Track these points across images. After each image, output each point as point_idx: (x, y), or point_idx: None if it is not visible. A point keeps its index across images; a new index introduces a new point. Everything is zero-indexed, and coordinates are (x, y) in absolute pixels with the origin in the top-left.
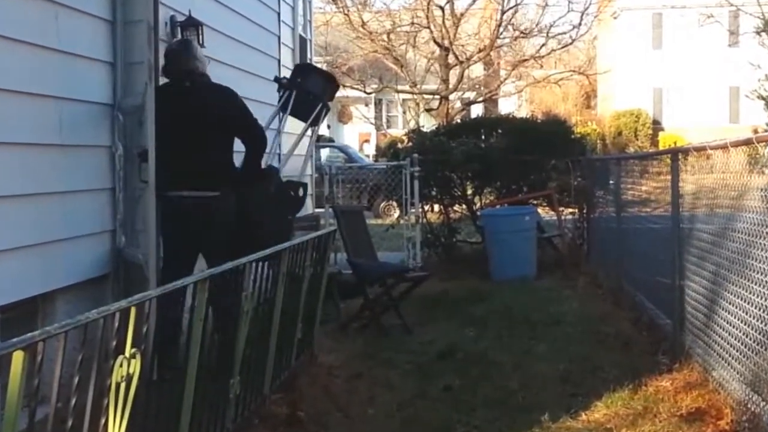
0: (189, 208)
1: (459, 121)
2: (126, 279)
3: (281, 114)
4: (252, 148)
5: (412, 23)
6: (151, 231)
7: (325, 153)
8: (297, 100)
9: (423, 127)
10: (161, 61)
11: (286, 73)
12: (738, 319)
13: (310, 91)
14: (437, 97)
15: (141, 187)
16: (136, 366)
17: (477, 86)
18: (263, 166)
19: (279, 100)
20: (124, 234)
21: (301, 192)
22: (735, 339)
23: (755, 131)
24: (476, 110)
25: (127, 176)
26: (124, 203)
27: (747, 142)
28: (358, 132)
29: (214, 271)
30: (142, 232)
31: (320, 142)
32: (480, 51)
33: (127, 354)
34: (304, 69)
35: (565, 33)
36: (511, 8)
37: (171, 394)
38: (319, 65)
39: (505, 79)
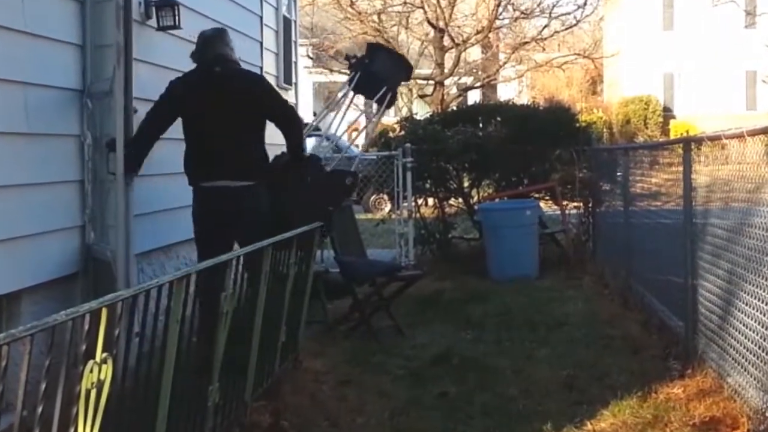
0: (221, 198)
1: (455, 108)
2: (96, 278)
3: (347, 91)
4: (287, 132)
5: (405, 2)
6: (121, 226)
7: (310, 142)
8: (362, 79)
9: (416, 114)
10: (134, 44)
11: (268, 56)
12: (755, 321)
13: (374, 72)
14: (431, 82)
15: (110, 179)
16: (107, 371)
17: (474, 71)
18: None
19: (350, 80)
20: (93, 230)
21: (349, 181)
22: (752, 343)
23: None
24: (473, 96)
25: (96, 168)
26: (93, 197)
27: (765, 131)
28: (347, 120)
29: (193, 269)
30: (112, 228)
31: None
32: (477, 33)
33: (97, 359)
34: (374, 50)
35: (569, 13)
36: None
37: (145, 402)
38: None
39: (505, 62)
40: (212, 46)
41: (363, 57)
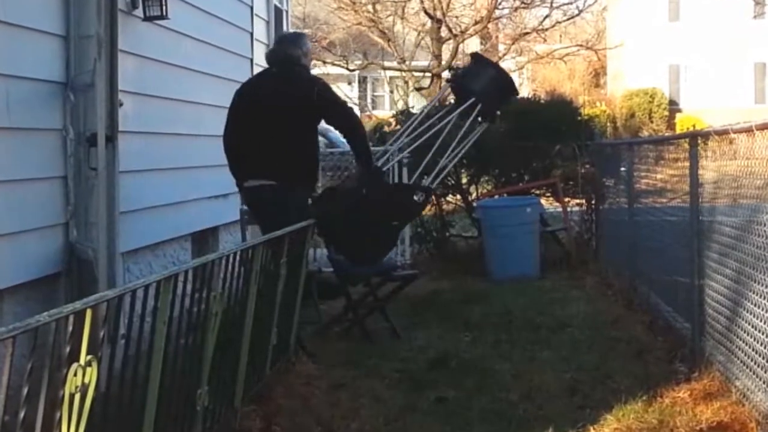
0: (252, 198)
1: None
2: (80, 278)
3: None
4: (346, 136)
5: None
6: (104, 224)
7: None
8: (455, 86)
9: (412, 108)
10: (120, 35)
11: (258, 48)
12: (764, 323)
13: (466, 86)
14: (428, 74)
15: (93, 175)
16: (92, 375)
17: None
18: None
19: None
20: (76, 227)
21: (419, 197)
22: (761, 344)
23: None
24: None
25: (79, 163)
26: (76, 193)
27: None
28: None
29: (181, 268)
30: (95, 226)
31: None
32: (476, 23)
33: (81, 362)
34: (477, 61)
35: (571, 3)
36: None
37: (131, 407)
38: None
39: (505, 54)
40: (280, 48)
41: (462, 69)
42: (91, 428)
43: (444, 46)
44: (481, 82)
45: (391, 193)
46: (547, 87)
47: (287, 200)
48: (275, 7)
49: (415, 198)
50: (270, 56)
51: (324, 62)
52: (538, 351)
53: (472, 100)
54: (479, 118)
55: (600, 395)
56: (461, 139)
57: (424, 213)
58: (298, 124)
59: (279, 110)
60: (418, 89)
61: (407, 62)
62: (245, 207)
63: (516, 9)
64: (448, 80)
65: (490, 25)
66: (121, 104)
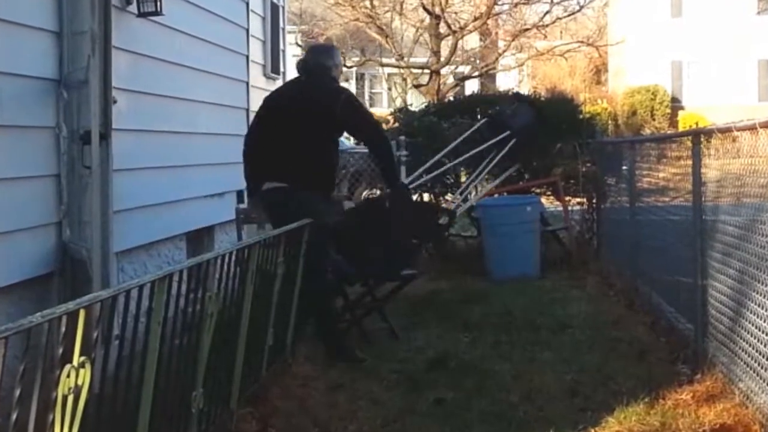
0: (268, 200)
1: (452, 98)
2: (74, 278)
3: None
4: (370, 149)
5: None
6: (97, 223)
7: None
8: (492, 120)
9: (411, 105)
10: (114, 31)
11: (254, 44)
12: None
13: (503, 122)
14: (427, 71)
15: (87, 173)
16: (85, 376)
17: (472, 59)
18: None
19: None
20: (69, 227)
21: (444, 220)
22: (765, 346)
23: None
24: (471, 86)
25: (72, 161)
26: (69, 192)
27: None
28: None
29: (176, 268)
30: (88, 225)
31: None
32: (475, 19)
33: (75, 363)
34: (522, 103)
35: None
36: None
37: (125, 409)
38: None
39: (504, 50)
40: (312, 56)
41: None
42: (85, 430)
43: (443, 43)
44: (520, 122)
45: (418, 211)
46: (548, 84)
47: (301, 202)
48: (271, 3)
49: (440, 221)
50: (301, 65)
51: None
52: (538, 352)
53: (507, 133)
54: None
55: (601, 397)
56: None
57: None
58: (318, 132)
59: (302, 116)
60: (417, 86)
61: (405, 59)
62: (241, 206)
63: (516, 5)
64: (490, 115)
65: (489, 21)
66: (114, 101)
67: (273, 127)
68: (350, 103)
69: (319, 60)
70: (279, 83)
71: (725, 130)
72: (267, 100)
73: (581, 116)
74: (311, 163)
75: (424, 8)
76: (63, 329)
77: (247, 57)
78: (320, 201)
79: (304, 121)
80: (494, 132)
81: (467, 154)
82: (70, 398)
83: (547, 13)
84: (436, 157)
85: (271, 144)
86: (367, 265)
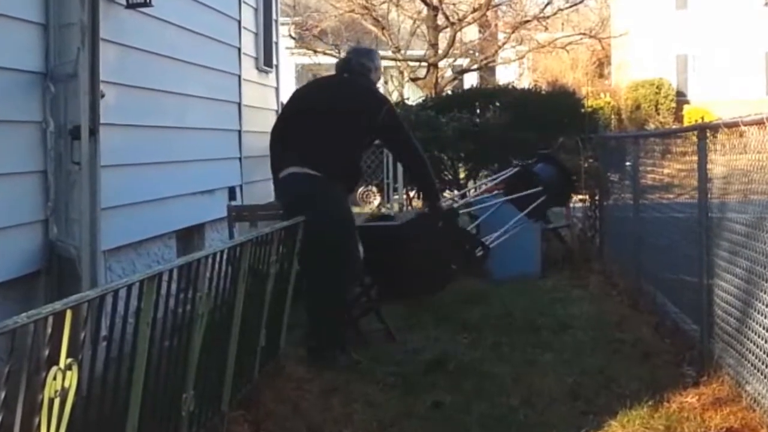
0: (287, 186)
1: (450, 92)
2: (60, 277)
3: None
4: (401, 160)
5: None
6: (86, 221)
7: None
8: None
9: (408, 99)
10: (102, 23)
11: (246, 36)
12: None
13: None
14: (424, 64)
15: (75, 169)
16: (72, 379)
17: (471, 52)
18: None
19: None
20: (56, 224)
21: (480, 252)
22: None
23: None
24: (470, 80)
25: (59, 157)
26: (57, 189)
27: None
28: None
29: (165, 267)
30: (76, 222)
31: None
32: (474, 10)
33: (61, 365)
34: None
35: None
36: None
37: (113, 412)
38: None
39: (504, 43)
40: (354, 56)
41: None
42: None
43: (441, 35)
44: (551, 177)
45: (461, 237)
46: (549, 77)
47: (326, 190)
48: None
49: (477, 252)
50: (342, 63)
51: (315, 51)
52: (539, 354)
53: (540, 189)
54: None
55: (604, 400)
56: None
57: (420, 209)
58: (354, 132)
59: (341, 113)
60: (414, 80)
61: (402, 51)
62: (233, 203)
63: None
64: (519, 165)
65: (488, 13)
66: (102, 95)
67: (310, 117)
68: (393, 115)
69: (361, 60)
70: (272, 77)
71: (732, 125)
72: (301, 92)
73: (583, 111)
74: (343, 158)
75: None
76: (49, 330)
77: (239, 49)
78: (346, 197)
79: (343, 118)
80: (525, 184)
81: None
82: (57, 401)
83: (548, 4)
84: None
85: (304, 134)
86: (402, 284)
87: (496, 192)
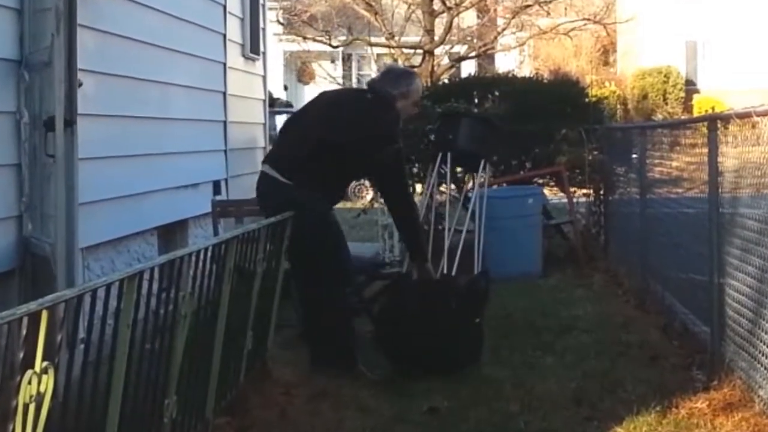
0: (262, 184)
1: (446, 81)
2: (35, 276)
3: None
4: (385, 198)
5: None
6: (62, 217)
7: (280, 120)
8: (455, 157)
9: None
10: (78, 7)
11: (232, 22)
12: None
13: (465, 149)
14: (420, 51)
15: (50, 162)
16: (48, 383)
17: (469, 38)
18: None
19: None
20: (31, 220)
21: (483, 283)
22: None
23: None
24: (468, 68)
25: (34, 150)
26: (31, 183)
27: None
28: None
29: (146, 265)
30: (52, 218)
31: (276, 107)
32: None
33: (37, 368)
34: (451, 120)
35: None
36: None
37: (91, 418)
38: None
39: (504, 29)
40: (380, 77)
41: (442, 131)
42: None
43: (437, 20)
44: (477, 142)
45: (468, 286)
46: (551, 65)
47: (304, 201)
48: None
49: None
50: (370, 82)
51: (304, 38)
52: (540, 356)
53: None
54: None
55: (609, 405)
56: None
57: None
58: (343, 157)
59: (339, 133)
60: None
61: (396, 38)
62: (218, 198)
63: None
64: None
65: None
66: (80, 84)
67: (307, 123)
68: (395, 158)
69: (386, 87)
70: (259, 64)
71: (744, 116)
72: (324, 94)
73: (587, 100)
74: (321, 177)
75: None
76: (24, 332)
77: (224, 36)
78: (319, 203)
79: (338, 138)
80: (470, 166)
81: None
82: (32, 407)
83: None
84: None
85: (296, 138)
86: (419, 357)
87: (495, 185)
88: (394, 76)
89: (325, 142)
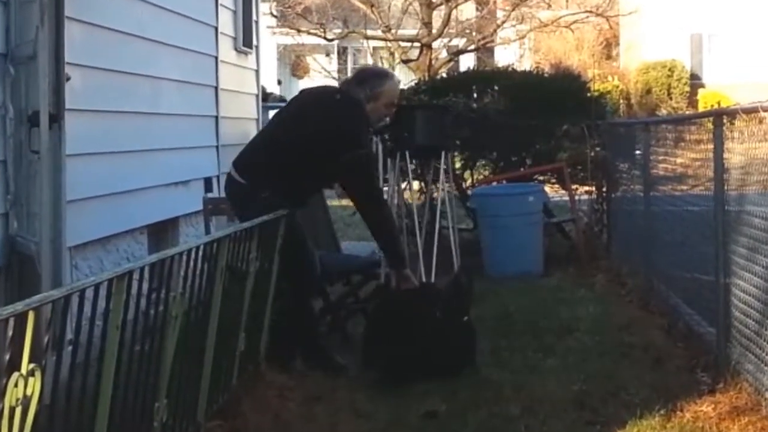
0: (227, 185)
1: (444, 75)
2: (21, 276)
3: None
4: (354, 202)
5: None
6: (47, 214)
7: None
8: (414, 153)
9: (399, 83)
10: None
11: (224, 14)
12: None
13: (422, 144)
14: (417, 45)
15: (35, 159)
16: (35, 385)
17: (467, 31)
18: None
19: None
20: (17, 218)
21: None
22: None
23: None
24: (466, 62)
25: (20, 146)
26: (17, 180)
27: None
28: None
29: (136, 265)
30: (38, 216)
31: (269, 102)
32: None
33: (23, 371)
34: (404, 116)
35: None
36: None
37: (79, 422)
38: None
39: (503, 21)
40: (350, 78)
41: (397, 131)
42: None
43: (435, 13)
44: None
45: (449, 287)
46: (552, 59)
47: (257, 201)
48: None
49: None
50: (342, 83)
51: (299, 31)
52: (541, 359)
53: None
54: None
55: (612, 409)
56: None
57: (412, 202)
58: (309, 158)
59: (301, 133)
60: (406, 61)
61: (393, 31)
62: (209, 195)
63: None
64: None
65: None
66: (68, 78)
67: (275, 123)
68: (359, 162)
69: (355, 88)
70: (251, 58)
71: (751, 111)
72: (298, 95)
73: (590, 95)
74: (285, 176)
75: None
76: (10, 333)
77: (216, 29)
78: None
79: (300, 139)
80: (432, 155)
81: None
82: (18, 410)
83: None
84: None
85: (261, 138)
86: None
87: (495, 182)
88: (364, 77)
89: (281, 142)
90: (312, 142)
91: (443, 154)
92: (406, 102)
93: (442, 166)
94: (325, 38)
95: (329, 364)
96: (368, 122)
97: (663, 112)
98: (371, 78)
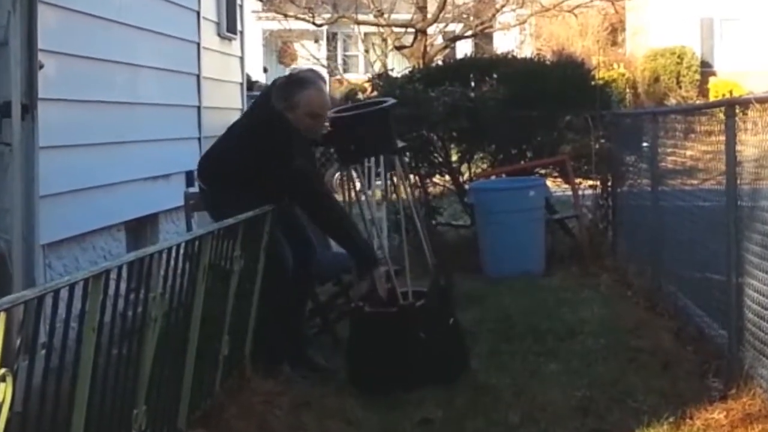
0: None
1: (440, 63)
2: None
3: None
4: (305, 213)
5: None
6: (19, 210)
7: None
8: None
9: (392, 70)
10: None
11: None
12: None
13: (371, 153)
14: (411, 30)
15: (6, 151)
16: (6, 391)
17: (464, 16)
18: None
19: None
20: None
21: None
22: None
23: None
24: (463, 48)
25: None
26: None
27: None
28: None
29: (114, 263)
30: (9, 212)
31: (254, 90)
32: None
33: None
34: (345, 127)
35: None
36: None
37: (53, 429)
38: None
39: (503, 6)
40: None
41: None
42: None
43: None
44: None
45: (429, 293)
46: (555, 45)
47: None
48: None
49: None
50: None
51: (286, 16)
52: (543, 363)
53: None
54: None
55: (618, 416)
56: None
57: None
58: (254, 176)
59: (244, 156)
60: (399, 48)
61: (386, 15)
62: (191, 190)
63: None
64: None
65: None
66: (41, 66)
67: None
68: (297, 178)
69: (275, 97)
70: (236, 44)
71: (764, 100)
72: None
73: (594, 83)
74: (225, 169)
75: None
76: None
77: (198, 13)
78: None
79: (241, 156)
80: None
81: None
82: None
83: None
84: None
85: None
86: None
87: (494, 176)
88: (285, 84)
89: (231, 155)
90: (246, 159)
91: (396, 159)
92: (353, 105)
93: (398, 170)
94: (313, 23)
95: (312, 368)
96: (294, 132)
97: (672, 101)
98: (290, 86)
